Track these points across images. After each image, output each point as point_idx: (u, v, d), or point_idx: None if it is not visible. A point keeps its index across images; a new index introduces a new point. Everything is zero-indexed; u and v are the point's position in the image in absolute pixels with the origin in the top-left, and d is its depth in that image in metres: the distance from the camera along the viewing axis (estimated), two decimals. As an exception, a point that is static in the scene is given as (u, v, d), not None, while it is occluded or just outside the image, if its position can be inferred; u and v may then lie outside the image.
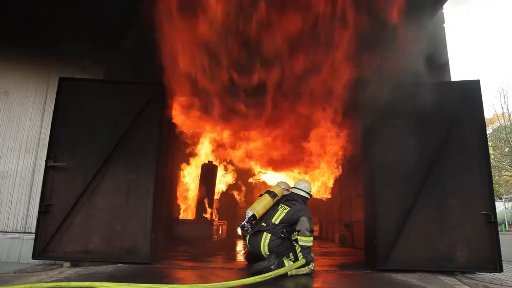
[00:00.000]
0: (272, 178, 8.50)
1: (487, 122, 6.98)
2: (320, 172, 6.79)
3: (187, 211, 8.63)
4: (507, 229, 18.95)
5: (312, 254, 4.06)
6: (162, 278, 3.69)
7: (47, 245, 4.28)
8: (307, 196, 4.48)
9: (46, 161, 4.44)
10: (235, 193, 10.87)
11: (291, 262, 3.90)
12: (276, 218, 4.13)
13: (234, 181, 10.33)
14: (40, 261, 4.44)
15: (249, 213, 4.20)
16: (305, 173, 7.01)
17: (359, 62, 4.42)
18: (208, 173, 8.94)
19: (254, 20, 4.02)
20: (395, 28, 4.04)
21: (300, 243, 3.97)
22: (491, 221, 4.07)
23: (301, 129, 6.48)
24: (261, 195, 4.50)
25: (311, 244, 3.99)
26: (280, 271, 3.57)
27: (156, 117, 4.71)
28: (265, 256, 3.96)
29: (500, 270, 3.94)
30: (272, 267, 3.71)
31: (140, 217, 4.41)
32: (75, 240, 4.32)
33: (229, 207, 10.44)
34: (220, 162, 9.49)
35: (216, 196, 9.52)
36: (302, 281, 3.71)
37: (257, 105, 5.64)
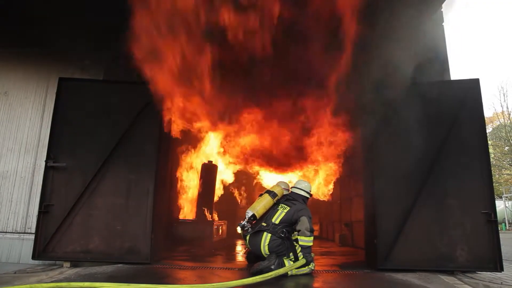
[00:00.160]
0: (271, 177, 8.50)
1: (486, 121, 6.98)
2: (323, 169, 6.77)
3: (187, 211, 8.63)
4: (507, 228, 18.94)
5: (312, 254, 4.06)
6: (162, 278, 3.69)
7: (47, 245, 4.28)
8: (307, 195, 4.48)
9: (46, 161, 4.44)
10: (235, 193, 10.87)
11: (291, 262, 3.90)
12: (276, 218, 4.12)
13: (234, 180, 10.32)
14: (40, 262, 4.45)
15: (249, 213, 4.20)
16: (304, 171, 6.99)
17: (359, 62, 4.42)
18: (208, 173, 8.94)
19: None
20: (394, 28, 4.04)
21: (300, 243, 3.96)
22: (491, 220, 4.07)
23: (300, 125, 6.47)
24: (261, 195, 4.50)
25: (311, 244, 3.99)
26: (280, 271, 3.57)
27: (156, 116, 4.71)
28: (265, 256, 3.96)
29: (501, 269, 3.94)
30: (272, 267, 3.71)
31: (140, 217, 4.41)
32: (75, 240, 4.33)
33: (229, 207, 10.43)
34: (221, 157, 9.43)
35: (216, 196, 9.51)
36: (303, 281, 3.71)
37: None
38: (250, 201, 8.94)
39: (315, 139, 6.25)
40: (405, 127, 4.41)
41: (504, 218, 19.09)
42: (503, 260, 4.01)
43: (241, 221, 4.23)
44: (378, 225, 4.27)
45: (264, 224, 4.13)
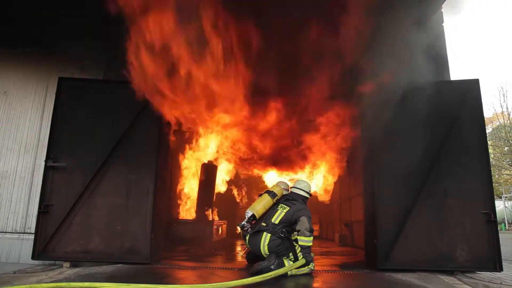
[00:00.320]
0: (271, 177, 8.50)
1: (486, 121, 7.00)
2: (326, 167, 6.78)
3: (187, 211, 8.62)
4: (507, 228, 18.95)
5: (312, 254, 4.06)
6: (162, 278, 3.69)
7: (47, 245, 4.28)
8: (307, 195, 4.48)
9: (46, 161, 4.44)
10: (235, 192, 10.86)
11: (291, 262, 3.90)
12: (276, 218, 4.12)
13: (233, 178, 10.31)
14: (40, 262, 4.45)
15: (248, 213, 4.20)
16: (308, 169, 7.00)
17: (359, 62, 4.42)
18: (208, 173, 8.94)
19: None
20: (394, 28, 4.04)
21: (300, 243, 3.96)
22: (491, 220, 4.08)
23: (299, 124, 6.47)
24: (260, 195, 4.50)
25: (311, 244, 3.99)
26: (280, 271, 3.57)
27: (156, 116, 4.71)
28: (265, 256, 3.96)
29: (500, 269, 3.94)
30: (272, 267, 3.71)
31: (140, 217, 4.41)
32: (75, 240, 4.32)
33: (229, 207, 10.43)
34: (221, 156, 9.42)
35: (216, 196, 9.51)
36: (302, 281, 3.71)
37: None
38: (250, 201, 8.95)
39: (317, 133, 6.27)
40: (405, 127, 4.42)
41: (504, 218, 19.10)
42: (502, 260, 4.01)
43: (241, 221, 4.23)
44: (378, 225, 4.27)
45: (263, 224, 4.13)
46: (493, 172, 22.10)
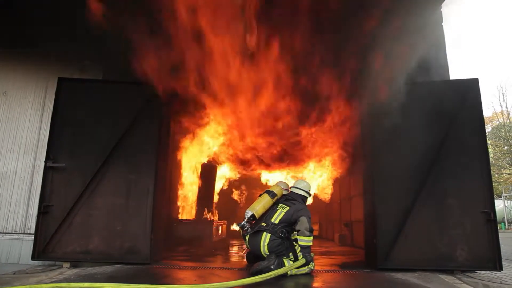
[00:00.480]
0: (271, 176, 8.51)
1: (486, 120, 6.99)
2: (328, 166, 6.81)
3: (187, 211, 8.62)
4: (506, 227, 18.97)
5: (312, 254, 4.06)
6: (162, 279, 3.69)
7: (47, 246, 4.27)
8: (307, 195, 4.48)
9: (45, 162, 4.44)
10: (235, 192, 10.87)
11: (291, 262, 3.90)
12: (276, 218, 4.12)
13: (235, 178, 10.31)
14: (40, 262, 4.44)
15: (248, 213, 4.20)
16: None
17: (358, 61, 4.42)
18: (207, 173, 8.94)
19: None
20: (394, 28, 4.04)
21: (300, 242, 3.97)
22: (491, 220, 4.08)
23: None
24: (260, 195, 4.50)
25: (311, 243, 3.99)
26: (280, 271, 3.57)
27: (155, 116, 4.71)
28: (265, 256, 3.96)
29: (500, 268, 3.95)
30: (272, 267, 3.71)
31: (140, 217, 4.41)
32: (74, 241, 4.32)
33: (229, 207, 10.43)
34: (221, 158, 9.43)
35: (216, 196, 9.51)
36: (302, 280, 3.71)
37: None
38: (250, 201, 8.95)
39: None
40: (404, 127, 4.41)
41: (504, 217, 19.11)
42: (502, 260, 4.01)
43: (241, 221, 4.23)
44: (378, 225, 4.27)
45: (263, 224, 4.13)
46: (493, 171, 22.10)
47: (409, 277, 3.79)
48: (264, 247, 3.97)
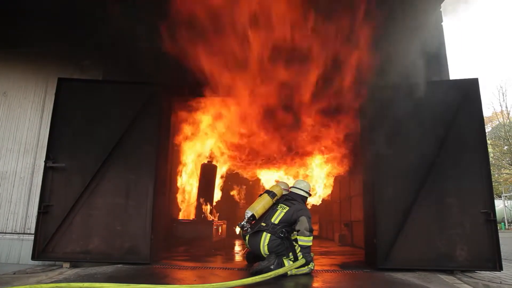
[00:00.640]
0: (271, 176, 8.50)
1: (486, 120, 7.01)
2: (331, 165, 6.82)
3: (187, 211, 8.63)
4: (506, 227, 18.96)
5: (312, 254, 4.06)
6: (162, 279, 3.69)
7: (47, 246, 4.27)
8: (306, 195, 4.48)
9: (45, 162, 4.43)
10: (235, 192, 10.87)
11: (291, 262, 3.90)
12: (276, 218, 4.12)
13: (233, 179, 10.32)
14: (40, 262, 4.44)
15: (248, 213, 4.20)
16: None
17: (358, 62, 4.42)
18: (207, 173, 8.95)
19: None
20: (393, 28, 4.04)
21: (299, 242, 3.97)
22: (491, 220, 4.08)
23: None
24: (260, 195, 4.50)
25: (310, 243, 3.99)
26: (280, 271, 3.57)
27: (155, 116, 4.71)
28: (265, 256, 3.96)
29: (500, 268, 3.95)
30: (272, 267, 3.71)
31: (140, 217, 4.41)
32: (74, 241, 4.32)
33: (229, 207, 10.44)
34: (220, 157, 9.43)
35: (216, 196, 9.51)
36: (302, 280, 3.71)
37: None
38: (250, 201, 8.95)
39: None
40: (404, 126, 4.41)
41: (503, 217, 19.11)
42: (502, 260, 4.01)
43: (241, 221, 4.23)
44: (378, 225, 4.27)
45: (263, 224, 4.13)
46: (493, 171, 22.10)
47: (409, 277, 3.79)
48: (264, 247, 3.97)
